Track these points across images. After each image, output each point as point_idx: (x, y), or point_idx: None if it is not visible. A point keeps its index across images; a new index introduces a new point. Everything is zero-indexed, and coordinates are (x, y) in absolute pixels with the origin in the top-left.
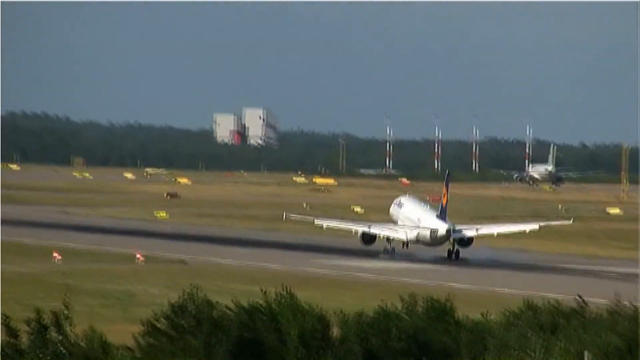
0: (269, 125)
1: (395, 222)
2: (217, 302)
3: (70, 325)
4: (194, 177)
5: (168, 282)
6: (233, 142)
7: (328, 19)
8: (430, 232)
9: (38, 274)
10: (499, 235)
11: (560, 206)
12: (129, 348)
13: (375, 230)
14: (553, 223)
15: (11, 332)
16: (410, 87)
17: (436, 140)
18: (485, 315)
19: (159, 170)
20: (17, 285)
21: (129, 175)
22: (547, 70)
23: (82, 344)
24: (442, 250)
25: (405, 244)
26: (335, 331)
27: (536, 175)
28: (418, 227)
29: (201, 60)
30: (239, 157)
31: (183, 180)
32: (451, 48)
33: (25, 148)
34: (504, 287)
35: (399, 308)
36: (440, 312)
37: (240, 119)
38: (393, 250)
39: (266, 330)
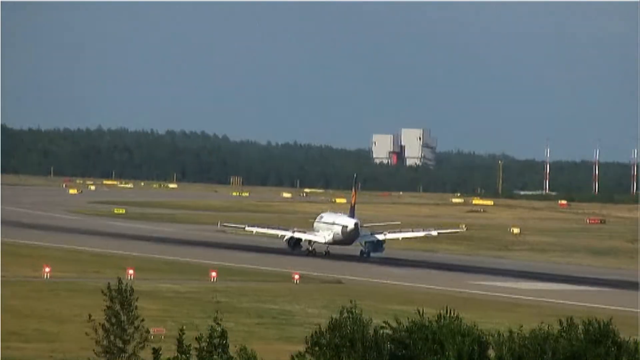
0: (426, 145)
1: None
2: (370, 319)
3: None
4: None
5: (324, 301)
6: (390, 162)
7: (488, 42)
8: (342, 227)
9: (195, 293)
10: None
11: None
12: None
13: (298, 235)
14: (447, 231)
15: (183, 348)
16: (569, 108)
17: (595, 162)
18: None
19: (316, 190)
20: (175, 304)
21: (286, 195)
22: None
23: None
24: None
25: (327, 250)
26: (491, 352)
27: None
28: (332, 226)
29: (360, 81)
30: (395, 177)
31: (340, 200)
32: (611, 71)
33: (184, 167)
34: None
35: (556, 329)
36: (600, 334)
37: (398, 139)
38: (314, 251)
39: (423, 350)
